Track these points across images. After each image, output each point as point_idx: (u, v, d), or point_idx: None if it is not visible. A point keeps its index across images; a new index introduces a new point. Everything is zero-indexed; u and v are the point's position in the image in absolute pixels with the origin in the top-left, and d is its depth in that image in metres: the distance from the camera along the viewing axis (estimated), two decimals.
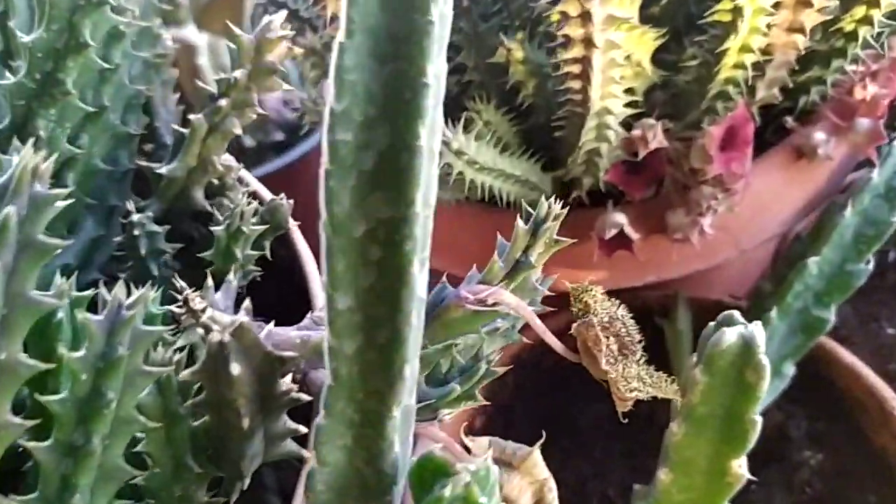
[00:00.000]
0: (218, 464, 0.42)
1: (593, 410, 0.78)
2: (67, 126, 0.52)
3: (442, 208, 0.61)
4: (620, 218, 0.65)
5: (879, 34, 0.69)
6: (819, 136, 0.68)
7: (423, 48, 0.31)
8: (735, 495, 0.69)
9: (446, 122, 0.59)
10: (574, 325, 0.51)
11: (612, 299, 0.54)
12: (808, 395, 0.73)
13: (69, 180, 0.53)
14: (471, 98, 0.63)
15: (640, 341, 0.54)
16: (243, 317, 0.36)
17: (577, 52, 0.53)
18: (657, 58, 0.63)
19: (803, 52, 0.64)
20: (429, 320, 0.45)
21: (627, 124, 0.64)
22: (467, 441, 0.51)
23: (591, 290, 0.52)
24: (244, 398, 0.36)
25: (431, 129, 0.32)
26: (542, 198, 0.47)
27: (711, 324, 0.51)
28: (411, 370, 0.35)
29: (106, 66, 0.52)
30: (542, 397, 0.81)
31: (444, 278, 0.47)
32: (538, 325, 0.47)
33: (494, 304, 0.44)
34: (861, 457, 0.69)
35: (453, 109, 0.65)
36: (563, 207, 0.70)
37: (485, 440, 0.52)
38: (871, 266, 0.68)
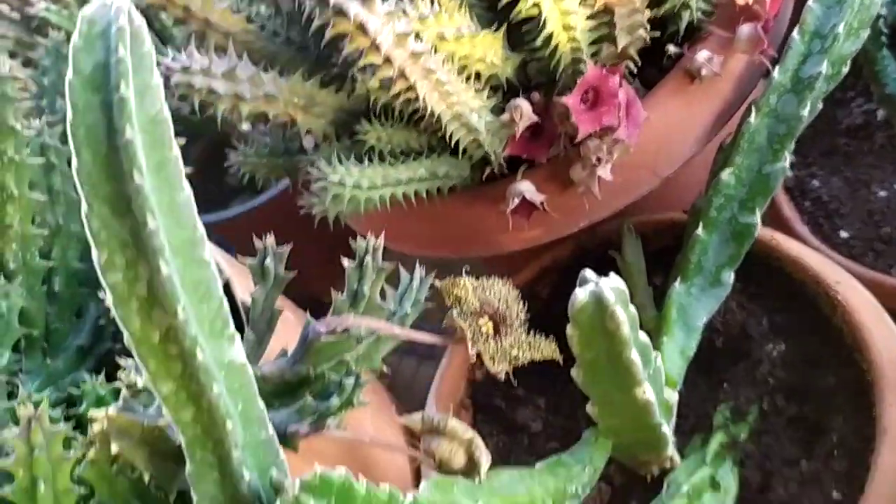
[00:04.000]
0: None
1: None
2: None
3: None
4: (523, 186, 0.71)
5: None
6: (701, 55, 0.70)
7: None
8: (704, 396, 0.75)
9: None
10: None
11: (492, 280, 0.62)
12: (766, 291, 0.76)
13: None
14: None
15: (522, 311, 0.63)
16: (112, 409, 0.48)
17: (401, 85, 0.60)
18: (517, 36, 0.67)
19: None
20: (304, 351, 0.56)
21: None
22: (404, 419, 0.62)
23: (461, 282, 0.61)
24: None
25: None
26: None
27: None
28: (233, 423, 0.46)
29: None
30: None
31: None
32: (395, 331, 0.56)
33: (345, 330, 0.54)
34: (820, 341, 0.72)
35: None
36: (484, 181, 0.78)
37: (418, 415, 0.62)
38: (788, 164, 0.70)
